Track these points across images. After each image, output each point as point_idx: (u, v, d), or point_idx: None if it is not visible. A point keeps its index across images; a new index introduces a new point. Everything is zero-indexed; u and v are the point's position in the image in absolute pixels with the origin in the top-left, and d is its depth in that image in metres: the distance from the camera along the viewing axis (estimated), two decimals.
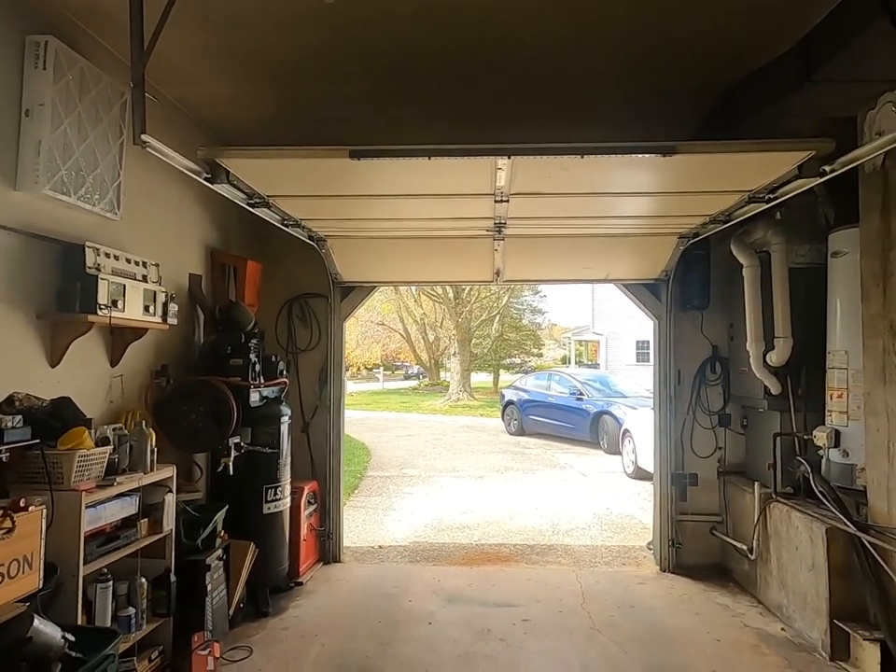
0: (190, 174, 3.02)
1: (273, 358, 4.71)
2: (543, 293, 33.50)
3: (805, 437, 4.24)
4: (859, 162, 2.87)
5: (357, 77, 3.79)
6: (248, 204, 3.80)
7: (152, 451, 3.20)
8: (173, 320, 3.68)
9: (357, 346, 32.30)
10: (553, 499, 7.99)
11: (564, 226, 4.54)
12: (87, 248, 3.04)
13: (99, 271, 3.08)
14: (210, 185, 3.28)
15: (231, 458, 3.95)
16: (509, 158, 2.84)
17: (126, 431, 3.22)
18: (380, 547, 5.86)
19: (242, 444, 4.07)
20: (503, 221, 4.32)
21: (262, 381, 4.45)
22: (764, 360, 4.47)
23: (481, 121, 4.40)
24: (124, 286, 3.22)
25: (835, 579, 3.62)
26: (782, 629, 4.02)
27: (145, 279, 3.47)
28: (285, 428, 4.52)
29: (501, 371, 31.90)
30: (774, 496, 4.36)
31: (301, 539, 4.86)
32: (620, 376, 16.04)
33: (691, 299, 5.20)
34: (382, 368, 39.07)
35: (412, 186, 3.53)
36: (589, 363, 33.11)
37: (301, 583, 4.74)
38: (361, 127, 4.56)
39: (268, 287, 5.43)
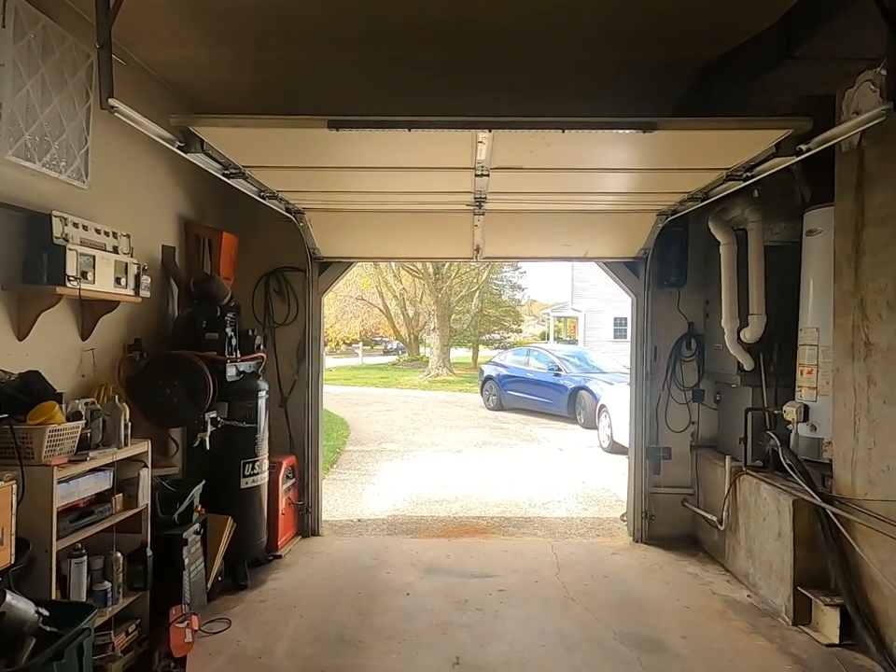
0: (163, 142, 2.93)
1: (250, 333, 4.65)
2: (523, 269, 33.50)
3: (776, 412, 4.35)
4: (835, 141, 2.89)
5: (337, 41, 3.68)
6: (224, 175, 3.71)
7: (126, 425, 3.15)
8: (145, 293, 3.60)
9: (336, 321, 32.10)
10: (530, 473, 8.11)
11: (544, 201, 4.52)
12: (54, 218, 2.94)
13: (67, 241, 2.99)
14: (184, 154, 3.19)
15: (208, 433, 3.92)
16: (489, 131, 2.80)
17: (99, 406, 3.16)
18: (359, 520, 5.91)
19: (218, 419, 4.03)
20: (483, 196, 4.28)
21: (239, 355, 4.40)
22: (738, 337, 4.55)
23: (461, 94, 4.33)
24: (94, 257, 3.13)
25: (800, 548, 3.75)
26: (748, 596, 4.17)
27: (115, 250, 3.38)
28: (262, 403, 4.49)
29: (481, 347, 32.04)
30: (744, 469, 4.47)
31: (280, 512, 4.87)
32: (598, 352, 16.20)
33: (668, 276, 5.24)
34: (361, 343, 38.97)
35: (391, 158, 3.47)
36: (568, 339, 33.39)
37: (279, 556, 4.76)
38: (341, 97, 4.45)
39: (244, 261, 5.33)
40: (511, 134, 2.90)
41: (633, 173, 3.84)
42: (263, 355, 4.74)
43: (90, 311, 3.41)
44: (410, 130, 2.78)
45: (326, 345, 38.16)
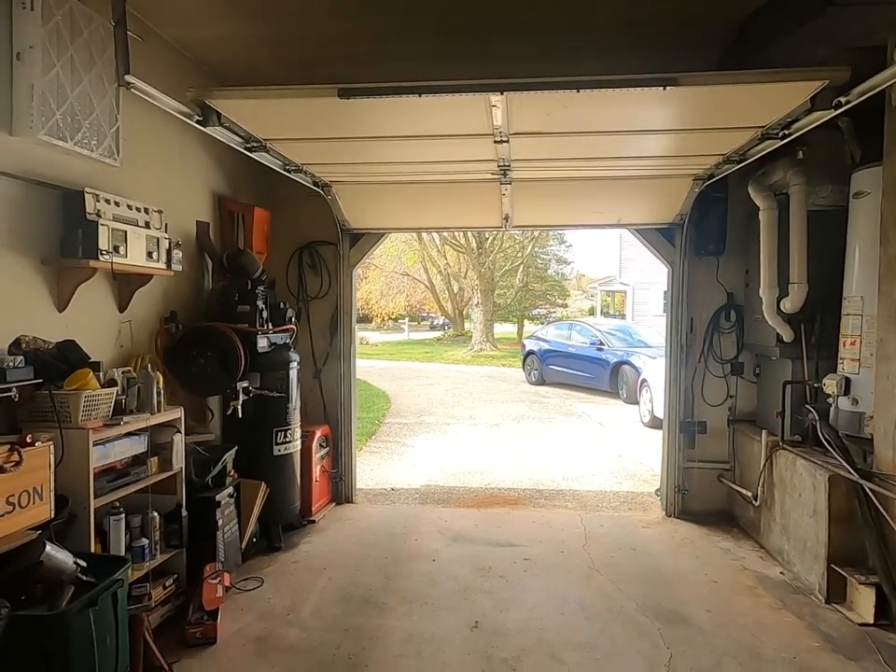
0: (181, 116, 3.00)
1: (282, 305, 4.77)
2: (569, 243, 32.92)
3: (816, 385, 4.16)
4: (876, 91, 2.68)
5: (357, 11, 3.65)
6: (246, 149, 3.78)
7: (159, 393, 3.31)
8: (177, 266, 3.73)
9: (381, 297, 32.45)
10: (567, 447, 8.07)
11: (571, 168, 4.40)
12: (86, 194, 3.07)
13: (99, 217, 3.12)
14: (202, 128, 3.27)
15: (240, 402, 4.07)
16: (501, 94, 2.74)
17: (135, 374, 3.33)
18: (392, 489, 6.04)
19: (250, 389, 4.17)
20: (507, 164, 4.21)
21: (270, 327, 4.53)
22: (778, 307, 4.35)
23: (480, 59, 4.22)
24: (125, 232, 3.27)
25: (835, 525, 3.62)
26: (781, 573, 4.06)
27: (147, 225, 3.51)
28: (293, 374, 4.62)
29: (526, 322, 31.80)
30: (781, 443, 4.32)
31: (314, 480, 5.04)
32: (644, 326, 15.82)
33: (706, 244, 5.04)
34: (407, 318, 39.32)
35: (408, 126, 3.45)
36: (616, 314, 32.72)
37: (313, 521, 4.94)
38: (360, 69, 4.43)
39: (278, 235, 5.44)
40: (526, 97, 2.82)
41: (661, 134, 3.68)
42: (294, 327, 4.85)
43: (125, 284, 3.57)
44: (420, 96, 2.76)
45: (371, 321, 38.58)
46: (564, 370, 13.89)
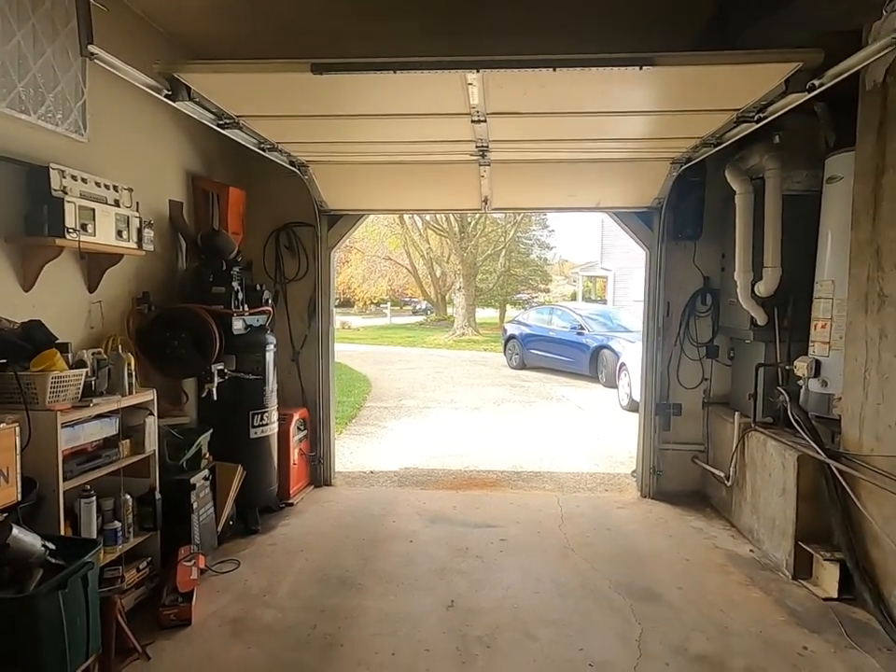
0: (149, 90, 2.92)
1: (258, 287, 4.72)
2: (552, 228, 32.96)
3: (787, 367, 4.23)
4: (849, 73, 2.70)
5: None
6: (218, 125, 3.70)
7: (130, 374, 3.26)
8: (149, 246, 3.65)
9: (363, 281, 32.27)
10: (546, 430, 8.15)
11: (550, 149, 4.38)
12: (51, 170, 2.98)
13: (65, 194, 3.03)
14: (172, 102, 3.18)
15: (215, 384, 4.02)
16: (477, 72, 2.71)
17: (105, 356, 3.27)
18: (371, 472, 6.05)
19: (225, 371, 4.13)
20: (485, 145, 4.17)
21: (246, 309, 4.47)
22: (752, 291, 4.41)
23: (458, 36, 4.17)
24: (94, 209, 3.18)
25: (802, 503, 3.70)
26: (750, 550, 4.16)
27: (117, 203, 3.43)
28: (270, 356, 4.58)
29: (508, 307, 31.85)
30: (753, 425, 4.40)
31: (291, 462, 5.02)
32: (625, 311, 15.95)
33: (684, 228, 5.08)
34: (389, 303, 39.17)
35: (384, 104, 3.39)
36: (597, 299, 32.92)
37: (291, 504, 4.93)
38: (338, 46, 4.35)
39: (255, 216, 5.36)
40: (502, 75, 2.79)
41: (638, 116, 3.67)
42: (270, 309, 4.80)
43: (94, 264, 3.49)
44: (395, 72, 2.71)
45: (353, 305, 38.32)
46: (544, 354, 13.97)
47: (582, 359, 12.66)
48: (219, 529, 4.06)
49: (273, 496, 4.74)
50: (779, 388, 4.22)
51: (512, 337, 15.16)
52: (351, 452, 6.82)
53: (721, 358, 5.28)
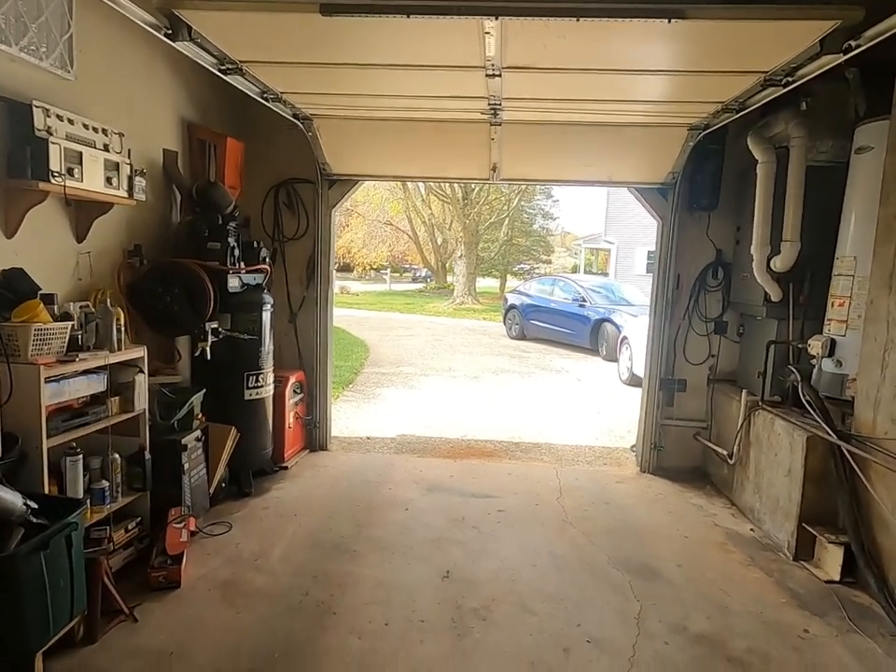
0: (147, 27, 2.71)
1: (256, 244, 4.54)
2: (556, 197, 32.47)
3: (800, 345, 4.10)
4: (889, 34, 2.49)
5: None
6: (220, 71, 3.50)
7: (119, 330, 3.12)
8: (140, 196, 3.46)
9: (363, 246, 31.91)
10: (546, 402, 8.06)
11: (564, 110, 4.15)
12: (34, 108, 2.78)
13: (50, 134, 2.83)
14: (171, 42, 2.98)
15: (209, 343, 3.89)
16: (496, 18, 2.50)
17: (93, 309, 3.12)
18: (367, 438, 5.97)
19: (220, 330, 3.98)
20: (498, 102, 3.96)
21: (242, 266, 4.30)
22: (768, 265, 4.25)
23: None
24: (81, 153, 2.99)
25: (809, 484, 3.62)
26: (751, 530, 4.10)
27: (106, 148, 3.23)
28: (266, 316, 4.43)
29: (509, 277, 31.59)
30: (760, 403, 4.29)
31: (287, 425, 4.93)
32: (627, 285, 15.76)
33: (699, 198, 4.88)
34: (389, 269, 38.87)
35: (395, 54, 3.18)
36: (598, 272, 32.66)
37: (285, 468, 4.85)
38: None
39: (253, 171, 5.15)
40: (521, 24, 2.58)
41: (660, 76, 3.45)
42: (268, 267, 4.62)
43: (82, 212, 3.31)
44: (409, 16, 2.50)
45: (352, 270, 38.01)
46: (545, 325, 13.84)
47: (583, 332, 12.53)
48: (211, 491, 3.97)
49: (267, 458, 4.66)
50: (790, 367, 4.10)
51: (513, 307, 15.00)
52: (348, 417, 6.73)
53: (729, 335, 5.14)
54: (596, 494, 4.66)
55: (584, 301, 12.86)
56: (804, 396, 3.85)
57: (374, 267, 35.86)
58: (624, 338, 10.05)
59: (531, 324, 14.25)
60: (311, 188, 5.27)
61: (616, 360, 10.51)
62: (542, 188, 28.92)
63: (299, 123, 4.72)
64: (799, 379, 3.94)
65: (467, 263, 23.43)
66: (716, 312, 5.14)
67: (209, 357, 3.91)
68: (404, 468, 5.07)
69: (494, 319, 18.45)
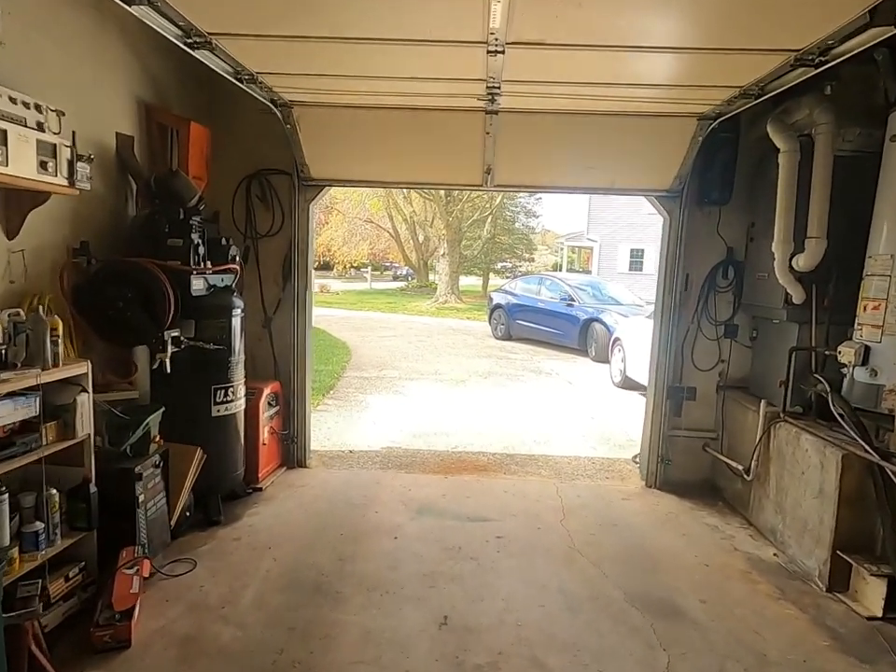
0: None
1: (224, 241, 4.05)
2: (539, 195, 32.16)
3: (827, 352, 3.75)
4: None
5: None
6: (186, 44, 3.04)
7: (55, 342, 2.63)
8: (84, 184, 2.96)
9: (343, 243, 31.37)
10: (537, 407, 7.67)
11: (567, 95, 3.75)
12: None
13: None
14: (128, 6, 2.52)
15: (168, 354, 3.40)
16: None
17: (25, 318, 2.63)
18: (350, 452, 5.51)
19: (182, 339, 3.50)
20: (497, 85, 3.54)
21: (209, 266, 3.82)
22: (790, 265, 3.89)
23: None
24: (5, 131, 2.49)
25: (844, 508, 3.26)
26: (774, 555, 3.74)
27: (40, 127, 2.72)
28: (236, 322, 3.95)
29: (492, 276, 31.21)
30: (782, 415, 3.94)
31: (261, 442, 4.45)
32: (613, 283, 15.48)
33: (710, 191, 4.50)
34: (370, 267, 38.35)
35: (383, 26, 2.75)
36: (581, 270, 32.50)
37: (259, 489, 4.38)
38: None
39: (222, 160, 4.66)
40: None
41: (678, 54, 3.06)
42: (237, 267, 4.14)
43: (13, 202, 2.80)
44: None
45: (332, 268, 37.46)
46: (532, 325, 13.47)
47: (571, 332, 12.19)
48: (173, 522, 3.49)
49: (238, 480, 4.18)
50: (816, 376, 3.75)
51: (499, 306, 14.62)
52: (328, 427, 6.26)
53: (740, 339, 4.79)
54: (602, 513, 4.27)
55: (572, 300, 12.52)
56: (835, 408, 3.50)
57: (355, 265, 35.27)
58: (617, 339, 9.71)
59: (517, 324, 13.88)
60: (287, 179, 4.79)
61: (607, 361, 10.17)
62: None
63: (277, 112, 4.27)
64: (828, 390, 3.59)
65: (449, 261, 23.01)
66: (726, 314, 4.79)
67: (169, 370, 3.42)
68: (391, 486, 4.63)
69: (478, 318, 18.07)
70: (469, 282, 32.04)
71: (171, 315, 3.40)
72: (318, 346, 11.58)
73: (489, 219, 26.10)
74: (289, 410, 4.93)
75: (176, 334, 3.46)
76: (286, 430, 4.89)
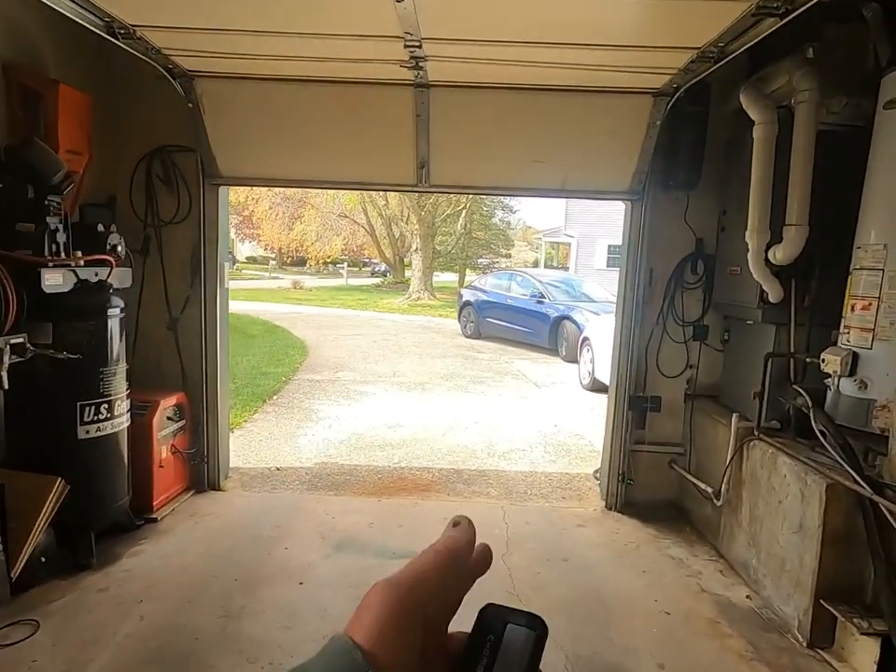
0: None
1: (101, 228, 3.39)
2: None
3: (808, 359, 3.22)
4: None
5: None
6: None
7: None
8: None
9: (317, 239, 30.66)
10: (498, 413, 7.10)
11: (500, 61, 3.18)
12: None
13: None
14: None
15: (5, 366, 2.74)
16: None
17: None
18: (278, 469, 4.87)
19: (28, 346, 2.84)
20: (416, 42, 2.95)
21: (78, 256, 3.16)
22: (766, 257, 3.34)
23: None
24: None
25: (828, 548, 2.73)
26: (747, 596, 3.20)
27: None
28: (114, 324, 3.30)
29: (468, 272, 30.63)
30: (756, 432, 3.40)
31: (156, 465, 3.80)
32: (588, 279, 14.99)
33: (676, 173, 3.95)
34: (346, 264, 37.64)
35: None
36: (559, 266, 32.10)
37: (154, 520, 3.74)
38: None
39: (117, 135, 4.04)
40: None
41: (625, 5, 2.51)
42: (111, 258, 3.46)
43: None
44: None
45: (305, 264, 36.75)
46: (501, 323, 12.91)
47: (542, 330, 11.65)
48: (16, 573, 2.82)
49: (123, 511, 3.53)
50: (796, 388, 3.21)
51: (468, 304, 14.03)
52: (261, 440, 5.62)
53: (710, 342, 4.26)
54: (553, 545, 3.70)
55: (543, 296, 11.98)
56: (817, 425, 2.97)
57: (329, 261, 34.52)
58: (586, 338, 9.18)
59: (487, 322, 13.31)
60: (193, 157, 4.13)
61: (577, 362, 9.64)
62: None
63: (176, 85, 3.65)
64: (810, 404, 3.05)
65: (423, 257, 22.38)
66: (695, 314, 4.25)
67: (6, 387, 2.75)
68: (313, 513, 4.01)
69: (451, 316, 17.45)
70: (447, 278, 31.45)
71: (12, 317, 2.74)
72: (273, 347, 10.91)
73: (463, 213, 25.50)
74: (199, 424, 4.28)
75: (20, 340, 2.80)
76: (193, 448, 4.24)
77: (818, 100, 3.14)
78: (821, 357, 3.02)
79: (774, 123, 3.23)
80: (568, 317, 10.89)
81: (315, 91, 3.75)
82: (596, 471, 4.79)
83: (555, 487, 4.75)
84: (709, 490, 3.74)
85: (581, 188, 4.24)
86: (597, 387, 8.25)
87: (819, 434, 2.97)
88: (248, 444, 5.43)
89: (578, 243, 27.71)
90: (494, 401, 7.72)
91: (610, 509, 4.30)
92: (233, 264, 44.18)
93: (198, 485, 4.29)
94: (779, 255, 3.28)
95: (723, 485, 3.58)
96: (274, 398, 7.29)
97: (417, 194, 22.10)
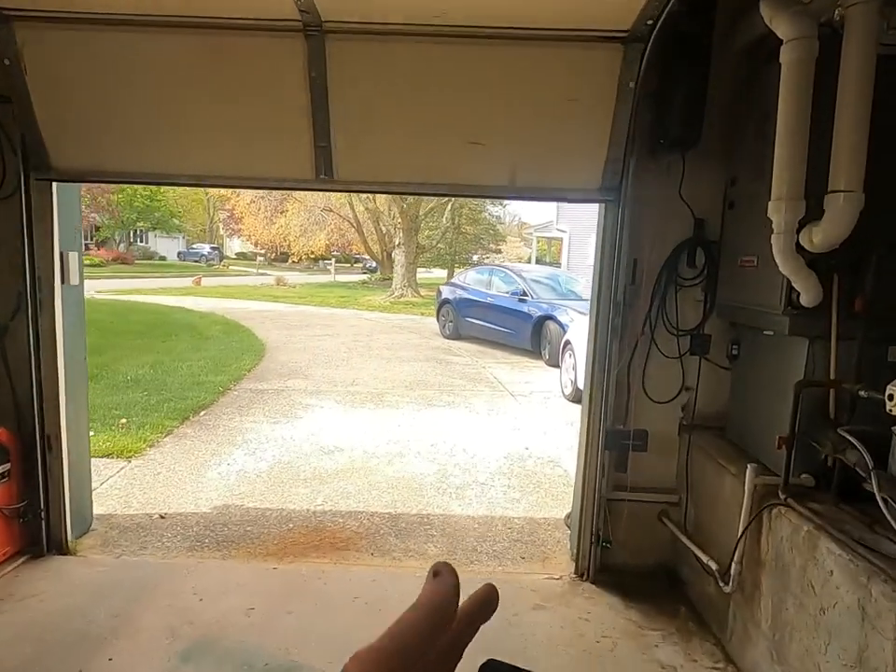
0: None
1: None
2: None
3: (861, 392, 2.17)
4: None
5: None
6: None
7: None
8: None
9: (302, 233, 29.67)
10: (461, 432, 6.04)
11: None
12: None
13: None
14: None
15: None
16: None
17: None
18: (162, 517, 3.82)
19: None
20: None
21: None
22: (798, 240, 2.30)
23: None
24: None
25: None
26: None
27: None
28: None
29: (457, 268, 29.56)
30: (782, 494, 2.35)
31: None
32: (578, 275, 13.94)
33: (668, 126, 2.88)
34: (334, 259, 36.64)
35: None
36: (552, 262, 31.10)
37: None
38: None
39: None
40: None
41: None
42: None
43: None
44: None
45: (287, 260, 35.99)
46: (481, 322, 11.86)
47: (524, 331, 10.60)
48: None
49: None
50: (842, 431, 2.17)
51: (447, 301, 12.98)
52: (157, 473, 4.55)
53: (713, 357, 3.21)
54: (496, 642, 2.63)
55: (525, 294, 10.92)
56: (879, 492, 1.93)
57: (313, 257, 33.47)
58: (567, 342, 8.14)
59: (466, 321, 12.26)
60: (8, 109, 3.05)
61: (559, 367, 8.61)
62: None
63: None
64: (866, 461, 2.01)
65: (406, 252, 21.31)
66: (693, 320, 3.20)
67: None
68: (176, 593, 2.95)
69: (432, 314, 16.43)
70: (436, 275, 30.40)
71: None
72: (226, 350, 9.84)
73: (449, 207, 24.45)
74: (34, 468, 3.22)
75: None
76: (24, 501, 3.18)
77: (877, 7, 2.09)
78: (888, 390, 1.97)
79: (814, 38, 2.17)
80: (552, 317, 9.84)
81: (178, 43, 2.69)
82: (568, 516, 3.76)
83: (514, 540, 3.71)
84: (713, 566, 2.70)
85: (535, 184, 3.08)
86: (580, 397, 7.18)
87: (881, 503, 1.94)
88: (140, 480, 4.38)
89: (570, 237, 26.65)
90: (460, 417, 6.66)
91: (582, 576, 3.26)
92: (220, 260, 43.04)
93: (34, 548, 3.23)
94: (818, 237, 2.23)
95: (734, 565, 2.54)
96: (200, 414, 6.22)
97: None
